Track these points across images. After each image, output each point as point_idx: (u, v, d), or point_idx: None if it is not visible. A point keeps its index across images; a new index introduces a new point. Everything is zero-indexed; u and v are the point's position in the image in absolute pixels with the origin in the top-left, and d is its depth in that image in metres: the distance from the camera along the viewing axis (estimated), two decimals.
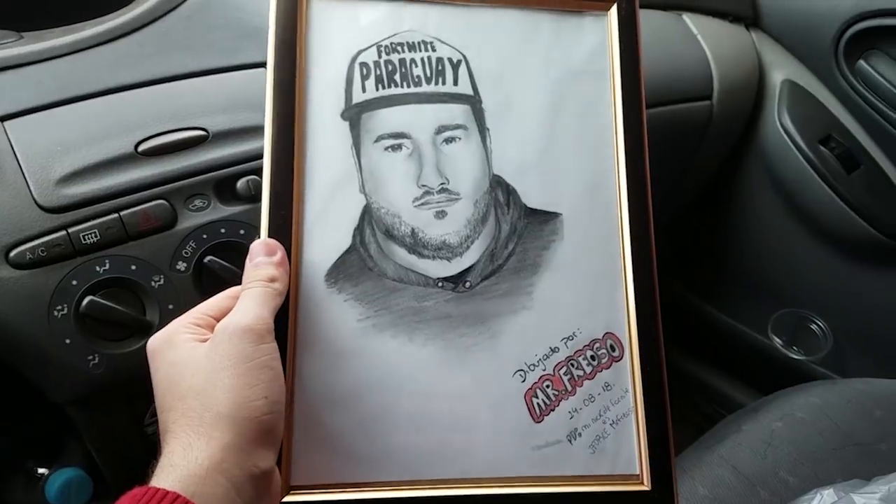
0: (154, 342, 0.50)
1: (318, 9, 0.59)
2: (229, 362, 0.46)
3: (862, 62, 1.14)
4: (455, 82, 0.60)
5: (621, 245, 0.60)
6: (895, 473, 0.69)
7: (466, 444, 0.56)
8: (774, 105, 1.19)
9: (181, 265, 0.67)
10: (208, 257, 0.68)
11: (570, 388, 0.58)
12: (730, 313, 1.45)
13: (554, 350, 0.58)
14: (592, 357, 0.59)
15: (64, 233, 0.64)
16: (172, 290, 0.67)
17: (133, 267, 0.66)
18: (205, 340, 0.49)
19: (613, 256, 0.60)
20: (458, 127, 0.59)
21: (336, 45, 0.59)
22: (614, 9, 0.62)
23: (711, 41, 1.13)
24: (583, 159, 0.61)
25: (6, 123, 0.67)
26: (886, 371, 1.21)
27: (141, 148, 0.68)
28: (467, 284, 0.58)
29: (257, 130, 0.69)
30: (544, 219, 0.60)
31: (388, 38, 0.59)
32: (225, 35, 0.78)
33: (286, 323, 0.53)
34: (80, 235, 0.64)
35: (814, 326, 1.32)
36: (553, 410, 0.57)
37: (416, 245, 0.57)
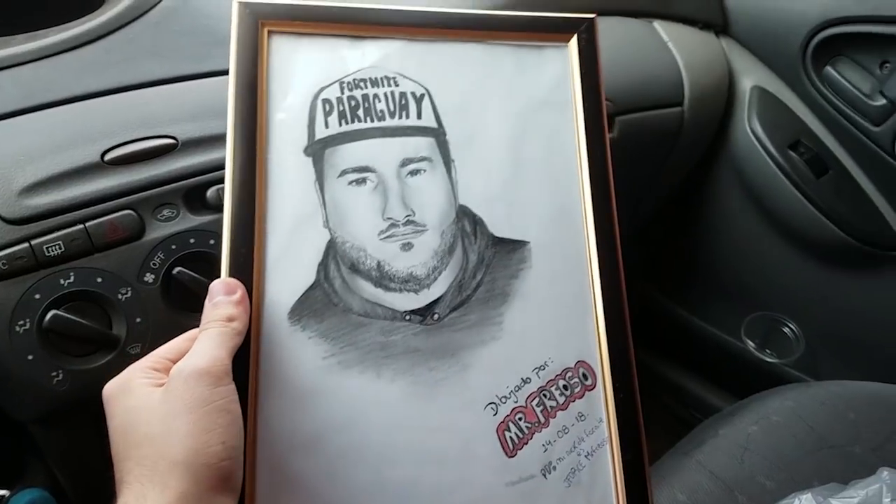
0: (109, 388, 0.48)
1: (278, 46, 0.59)
2: (185, 407, 0.45)
3: (829, 68, 1.15)
4: (419, 116, 0.59)
5: (590, 272, 0.59)
6: (873, 477, 0.70)
7: (438, 482, 0.54)
8: (744, 111, 1.21)
9: (149, 277, 0.66)
10: (177, 268, 0.67)
11: (542, 419, 0.57)
12: (703, 317, 1.46)
13: (525, 381, 0.57)
14: (565, 387, 0.57)
15: (27, 245, 0.62)
16: (140, 303, 0.66)
17: (99, 279, 0.64)
18: (162, 385, 0.47)
19: (583, 283, 0.59)
20: (422, 159, 0.59)
21: (298, 82, 0.59)
22: (574, 40, 0.63)
23: (682, 48, 1.13)
24: (548, 188, 0.61)
25: None
26: (858, 373, 1.22)
27: (107, 157, 0.66)
28: (435, 317, 0.57)
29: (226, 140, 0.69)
30: (512, 247, 0.59)
31: (351, 74, 0.59)
32: (194, 41, 0.77)
33: (248, 363, 0.52)
34: (44, 247, 0.62)
35: (786, 329, 1.33)
36: (526, 444, 0.56)
37: (383, 278, 0.56)
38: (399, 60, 0.60)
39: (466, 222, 0.59)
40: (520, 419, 0.56)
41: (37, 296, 0.62)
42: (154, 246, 0.66)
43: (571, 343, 0.58)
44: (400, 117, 0.59)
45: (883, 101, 1.10)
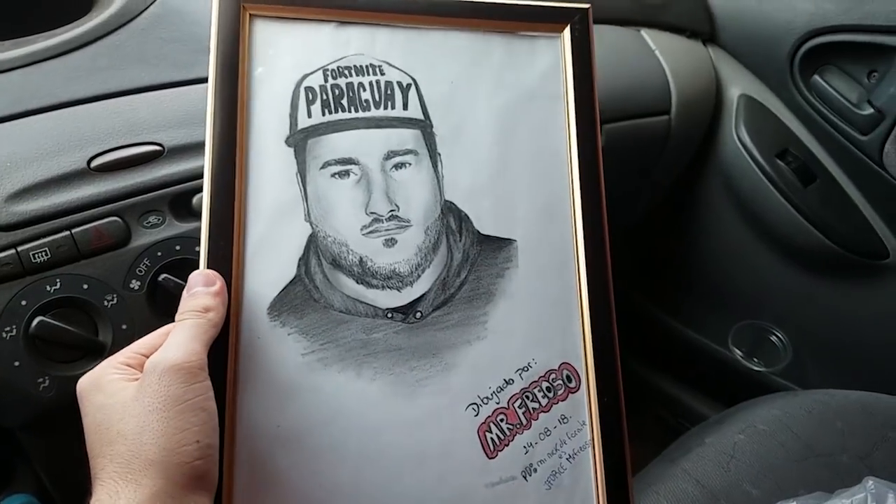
0: (82, 384, 0.48)
1: (261, 30, 0.57)
2: (159, 404, 0.45)
3: (817, 77, 1.15)
4: (405, 106, 0.58)
5: (577, 272, 0.59)
6: (857, 486, 0.70)
7: (417, 482, 0.54)
8: (732, 119, 1.21)
9: (135, 284, 0.66)
10: (163, 275, 0.67)
11: (525, 421, 0.56)
12: (690, 325, 1.46)
13: (508, 382, 0.57)
14: (548, 389, 0.57)
15: (13, 251, 0.62)
16: (126, 310, 0.65)
17: (85, 286, 0.64)
18: (135, 380, 0.47)
19: (569, 284, 0.59)
20: (408, 152, 0.58)
21: (280, 68, 0.57)
22: (567, 31, 0.62)
23: (669, 56, 1.14)
24: (537, 184, 0.60)
25: None
26: (845, 382, 1.22)
27: (94, 163, 0.66)
28: (418, 315, 0.56)
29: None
30: (498, 245, 0.58)
31: (335, 61, 0.58)
32: (180, 48, 0.77)
33: (226, 359, 0.51)
34: (30, 254, 0.62)
35: (773, 338, 1.33)
36: (507, 445, 0.56)
37: (365, 274, 0.56)
38: (385, 48, 0.59)
39: (452, 219, 0.58)
40: (501, 420, 0.56)
41: (23, 302, 0.62)
42: (140, 253, 0.66)
43: (556, 345, 0.58)
44: (385, 108, 0.58)
45: (870, 111, 1.10)
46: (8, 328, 0.62)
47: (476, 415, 0.56)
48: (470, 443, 0.55)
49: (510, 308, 0.58)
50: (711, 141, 1.24)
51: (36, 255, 0.62)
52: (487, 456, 0.55)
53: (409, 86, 0.59)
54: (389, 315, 0.56)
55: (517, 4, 0.62)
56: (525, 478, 0.56)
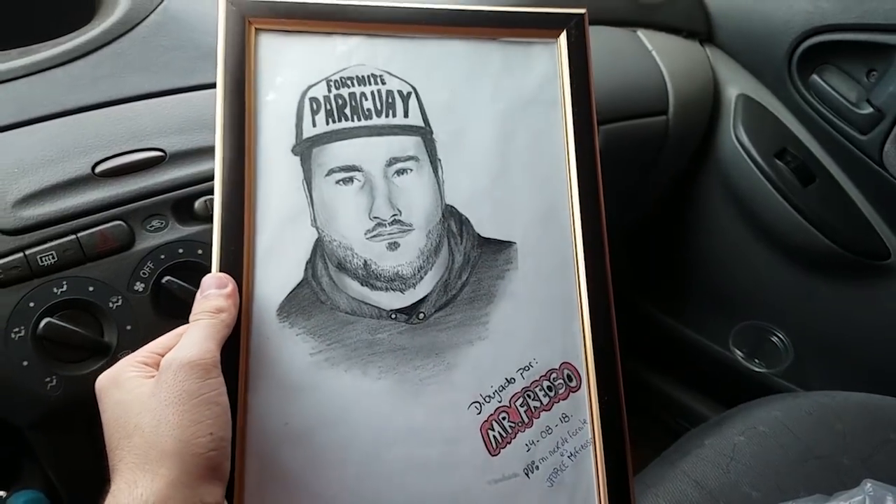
0: (101, 382, 0.50)
1: (266, 43, 0.59)
2: (175, 398, 0.47)
3: (815, 76, 1.15)
4: (406, 114, 0.60)
5: (576, 273, 0.60)
6: (856, 489, 0.70)
7: (421, 478, 0.55)
8: (730, 119, 1.20)
9: (139, 286, 0.67)
10: (166, 277, 0.68)
11: (526, 419, 0.57)
12: (690, 326, 1.45)
13: (510, 381, 0.58)
14: (549, 388, 0.58)
15: (21, 255, 0.63)
16: (130, 311, 0.67)
17: (91, 288, 0.65)
18: (152, 378, 0.49)
19: (569, 285, 0.60)
20: (409, 158, 0.59)
21: (285, 80, 0.59)
22: (564, 36, 0.63)
23: (666, 57, 1.13)
24: (536, 188, 0.61)
25: None
26: (846, 383, 1.21)
27: (98, 169, 0.68)
28: (421, 316, 0.57)
29: (214, 151, 0.70)
30: (498, 248, 0.60)
31: (338, 72, 0.60)
32: (181, 56, 0.78)
33: (237, 358, 0.53)
34: (38, 257, 0.64)
35: (774, 339, 1.32)
36: (510, 443, 0.57)
37: (369, 277, 0.57)
38: (386, 58, 0.61)
39: (453, 222, 0.59)
40: (503, 418, 0.57)
41: (31, 304, 0.63)
42: (144, 256, 0.67)
43: (557, 344, 0.59)
44: (387, 116, 0.59)
45: (870, 110, 1.09)
46: (16, 329, 0.63)
47: (479, 413, 0.57)
48: (473, 440, 0.56)
49: (511, 309, 0.59)
50: (709, 141, 1.23)
51: (43, 259, 0.64)
52: (490, 453, 0.56)
53: (409, 94, 0.60)
54: (393, 316, 0.57)
55: (513, 11, 0.63)
56: (527, 475, 0.56)
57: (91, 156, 0.68)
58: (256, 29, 0.59)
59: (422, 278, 0.58)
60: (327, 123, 0.59)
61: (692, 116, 1.18)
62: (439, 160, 0.60)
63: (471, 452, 0.56)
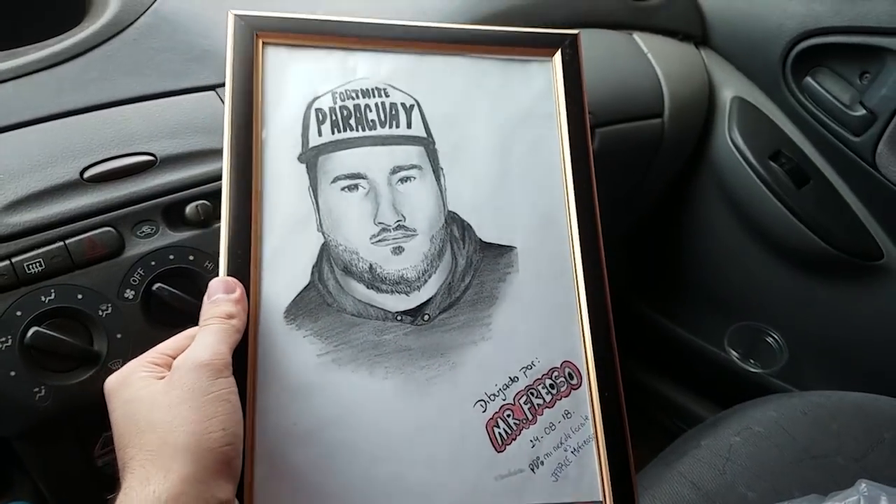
0: (110, 382, 0.51)
1: (273, 57, 0.62)
2: (187, 395, 0.47)
3: (809, 79, 1.15)
4: (409, 125, 0.62)
5: (575, 276, 0.62)
6: (850, 489, 0.70)
7: (429, 475, 0.56)
8: (725, 122, 1.21)
9: (129, 293, 0.66)
10: (157, 284, 0.67)
11: (530, 416, 0.59)
12: (686, 327, 1.46)
13: (513, 379, 0.59)
14: (551, 385, 0.60)
15: (7, 262, 0.62)
16: (121, 319, 0.66)
17: (79, 296, 0.64)
18: (162, 378, 0.49)
19: (568, 287, 0.62)
20: (412, 167, 0.62)
21: (292, 92, 0.61)
22: (559, 55, 0.66)
23: (662, 60, 1.14)
24: (534, 195, 0.64)
25: None
26: (842, 383, 1.22)
27: (87, 174, 0.67)
28: (426, 317, 0.59)
29: (206, 155, 0.69)
30: (499, 252, 0.62)
31: (343, 85, 0.62)
32: (172, 58, 0.77)
33: (246, 359, 0.54)
34: (25, 265, 0.63)
35: (769, 339, 1.33)
36: (515, 440, 0.58)
37: (375, 280, 0.59)
38: (390, 72, 0.63)
39: (455, 228, 0.61)
40: (508, 416, 0.59)
41: (18, 313, 0.62)
42: (134, 262, 0.66)
43: (557, 344, 0.61)
44: (390, 127, 0.62)
45: (863, 112, 1.10)
46: (3, 339, 0.62)
47: (484, 411, 0.58)
48: (479, 437, 0.58)
49: (512, 310, 0.61)
50: (705, 143, 1.24)
51: (30, 266, 0.63)
52: (496, 450, 0.58)
53: (412, 106, 0.63)
54: (399, 318, 0.59)
55: (511, 31, 0.66)
56: (533, 470, 0.58)
57: (79, 161, 0.67)
58: (264, 43, 0.61)
59: (426, 281, 0.60)
60: (333, 133, 0.61)
61: (687, 119, 1.18)
62: (441, 169, 0.62)
63: (477, 449, 0.58)
